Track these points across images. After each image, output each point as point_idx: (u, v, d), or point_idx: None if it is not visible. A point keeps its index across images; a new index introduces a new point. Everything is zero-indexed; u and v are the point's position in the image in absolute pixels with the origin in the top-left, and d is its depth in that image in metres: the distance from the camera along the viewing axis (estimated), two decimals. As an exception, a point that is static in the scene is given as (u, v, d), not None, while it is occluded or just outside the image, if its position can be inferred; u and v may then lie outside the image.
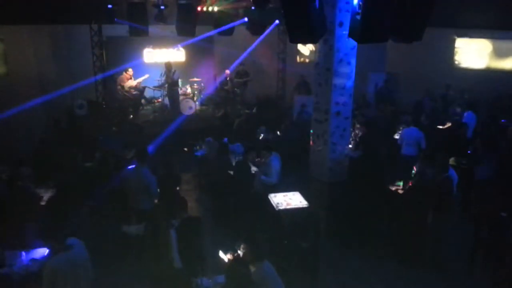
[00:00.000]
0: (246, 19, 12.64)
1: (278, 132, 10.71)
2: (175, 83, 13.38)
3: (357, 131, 9.30)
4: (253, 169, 7.95)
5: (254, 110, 14.30)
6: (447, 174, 6.60)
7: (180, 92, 13.87)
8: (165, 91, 13.62)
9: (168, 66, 13.26)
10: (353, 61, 7.23)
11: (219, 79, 15.26)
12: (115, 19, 11.28)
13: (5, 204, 6.12)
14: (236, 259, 4.59)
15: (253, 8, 12.30)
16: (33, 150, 8.58)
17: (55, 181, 7.05)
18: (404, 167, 7.78)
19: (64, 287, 4.15)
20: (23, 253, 5.23)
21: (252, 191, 7.40)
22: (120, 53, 13.90)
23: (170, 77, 13.16)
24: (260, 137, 10.41)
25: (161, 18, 11.38)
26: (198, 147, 9.81)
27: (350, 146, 8.53)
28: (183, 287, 4.94)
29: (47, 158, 7.94)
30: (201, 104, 14.78)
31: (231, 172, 7.78)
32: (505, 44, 12.48)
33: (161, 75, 13.36)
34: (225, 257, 4.84)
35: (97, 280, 4.91)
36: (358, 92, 8.83)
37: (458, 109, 11.20)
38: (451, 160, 7.84)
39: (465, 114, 10.14)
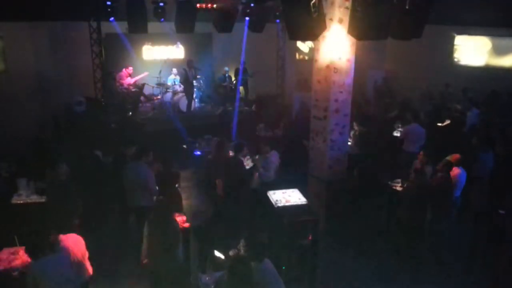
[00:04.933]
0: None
1: (278, 130, 10.70)
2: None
3: (356, 128, 9.29)
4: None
5: (253, 108, 14.30)
6: (446, 174, 6.60)
7: (179, 89, 13.86)
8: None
9: (190, 63, 13.30)
10: (352, 58, 7.22)
11: (218, 76, 15.25)
12: (111, 19, 11.24)
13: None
14: (238, 257, 4.59)
15: (252, 5, 12.27)
16: (31, 147, 8.56)
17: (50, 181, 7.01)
18: (406, 164, 7.79)
19: None
20: (22, 249, 5.21)
21: (250, 188, 7.41)
22: (119, 50, 13.85)
23: (193, 74, 13.25)
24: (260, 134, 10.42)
25: (158, 14, 11.34)
26: (197, 145, 9.80)
27: (350, 143, 8.53)
28: (183, 283, 4.95)
29: (45, 155, 7.92)
30: (200, 101, 14.77)
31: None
32: (504, 42, 12.48)
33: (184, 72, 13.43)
34: (221, 255, 4.84)
35: (96, 279, 4.93)
36: (357, 89, 8.81)
37: (459, 106, 11.20)
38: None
39: (473, 111, 10.15)
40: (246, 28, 12.65)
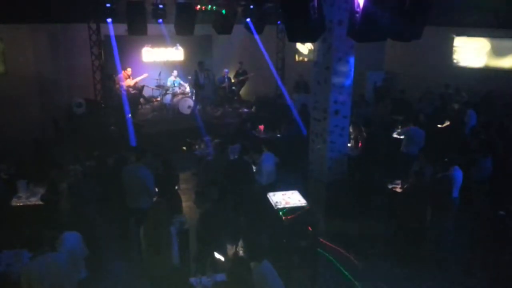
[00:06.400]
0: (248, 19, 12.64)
1: (278, 132, 10.70)
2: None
3: (351, 130, 9.28)
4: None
5: (253, 109, 14.31)
6: (445, 173, 6.61)
7: (179, 91, 13.87)
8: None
9: (201, 65, 13.31)
10: (352, 60, 7.23)
11: (217, 78, 15.27)
12: (107, 20, 11.22)
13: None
14: (238, 258, 4.58)
15: (251, 7, 12.31)
16: (31, 149, 8.56)
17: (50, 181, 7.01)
18: (405, 166, 7.80)
19: None
20: (22, 252, 5.20)
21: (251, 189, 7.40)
22: (119, 52, 13.86)
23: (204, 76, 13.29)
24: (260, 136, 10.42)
25: (158, 15, 11.37)
26: (196, 147, 9.80)
27: (350, 145, 8.53)
28: (182, 285, 4.94)
29: (45, 157, 7.92)
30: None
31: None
32: (504, 43, 12.48)
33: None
34: (221, 257, 4.83)
35: (96, 279, 4.91)
36: (356, 91, 8.83)
37: (456, 106, 11.21)
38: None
39: (468, 112, 10.18)
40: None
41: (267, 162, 7.42)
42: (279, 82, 14.23)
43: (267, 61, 15.16)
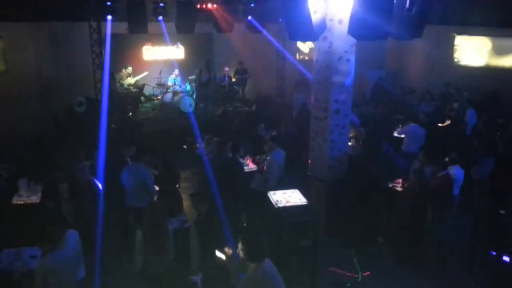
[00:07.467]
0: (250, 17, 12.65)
1: (276, 131, 10.70)
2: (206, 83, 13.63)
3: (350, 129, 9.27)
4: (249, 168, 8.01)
5: (253, 108, 14.31)
6: (445, 172, 6.61)
7: (179, 89, 13.87)
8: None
9: (209, 64, 13.44)
10: (353, 59, 7.22)
11: (219, 76, 15.28)
12: (108, 17, 11.21)
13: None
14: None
15: (252, 5, 12.31)
16: (32, 147, 8.58)
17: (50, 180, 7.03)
18: (405, 164, 7.80)
19: (57, 286, 4.11)
20: (23, 250, 5.22)
21: (249, 188, 7.40)
22: (120, 50, 13.86)
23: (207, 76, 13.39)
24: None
25: (158, 13, 11.37)
26: (197, 145, 9.79)
27: (350, 144, 8.53)
28: (182, 283, 4.95)
29: (45, 156, 7.93)
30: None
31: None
32: (505, 42, 12.48)
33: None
34: (222, 255, 4.82)
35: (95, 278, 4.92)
36: (357, 90, 8.81)
37: (455, 105, 11.23)
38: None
39: (468, 112, 10.20)
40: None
41: (278, 156, 7.38)
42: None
43: (270, 58, 15.22)
